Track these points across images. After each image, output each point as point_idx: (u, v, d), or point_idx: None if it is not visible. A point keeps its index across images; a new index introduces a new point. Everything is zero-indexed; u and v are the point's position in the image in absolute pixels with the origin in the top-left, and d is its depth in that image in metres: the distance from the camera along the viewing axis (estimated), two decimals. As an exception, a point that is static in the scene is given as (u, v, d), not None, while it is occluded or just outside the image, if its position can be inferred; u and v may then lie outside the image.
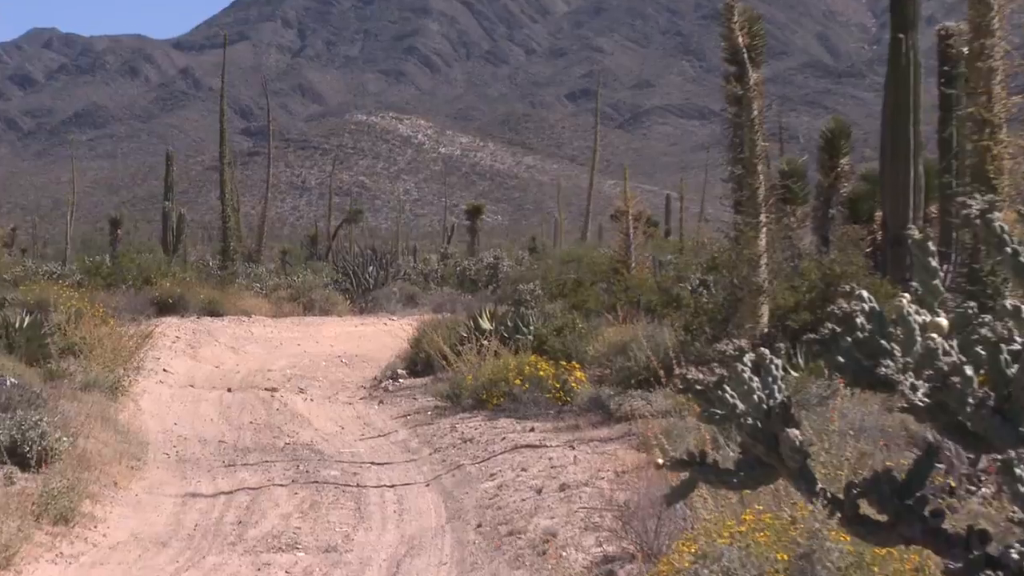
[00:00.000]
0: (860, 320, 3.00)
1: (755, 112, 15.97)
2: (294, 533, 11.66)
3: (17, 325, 16.66)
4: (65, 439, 12.28)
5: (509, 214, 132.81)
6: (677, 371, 3.38)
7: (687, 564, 7.62)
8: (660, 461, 3.82)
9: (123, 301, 29.02)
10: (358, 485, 13.52)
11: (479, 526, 11.81)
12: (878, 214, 20.58)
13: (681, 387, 3.22)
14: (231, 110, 51.67)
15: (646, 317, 20.58)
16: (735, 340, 3.27)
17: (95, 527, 11.88)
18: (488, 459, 13.96)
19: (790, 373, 13.98)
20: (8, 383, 12.67)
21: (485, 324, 19.19)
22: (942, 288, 3.04)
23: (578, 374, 16.39)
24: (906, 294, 3.01)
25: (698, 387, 3.16)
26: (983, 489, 7.97)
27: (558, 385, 15.76)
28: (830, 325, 3.03)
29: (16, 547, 10.80)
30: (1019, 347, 2.80)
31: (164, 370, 21.80)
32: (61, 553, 11.20)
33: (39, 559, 10.92)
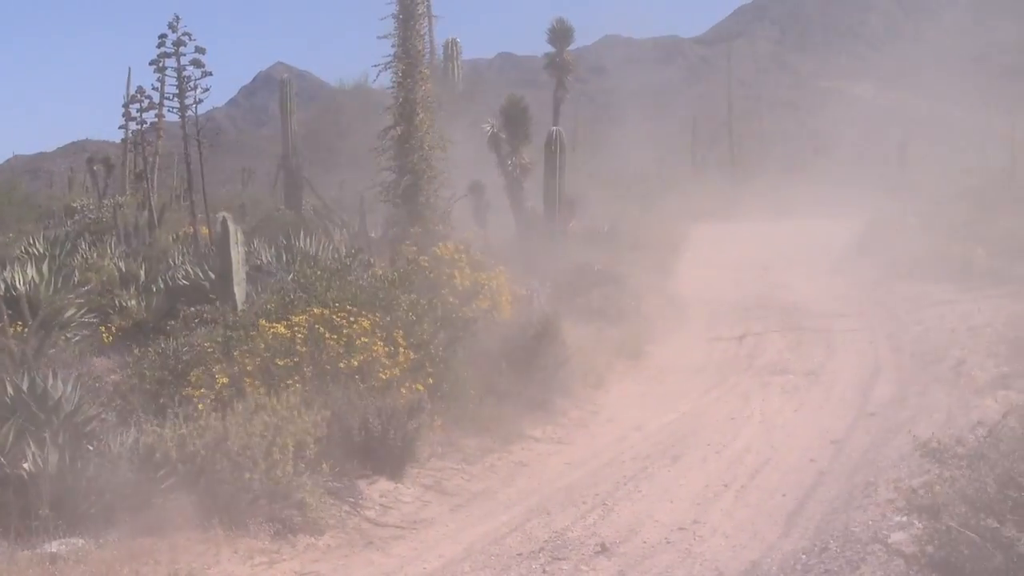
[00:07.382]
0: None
1: None
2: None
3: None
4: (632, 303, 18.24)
5: None
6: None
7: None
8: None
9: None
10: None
11: (912, 355, 15.04)
12: None
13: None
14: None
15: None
16: None
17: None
18: (916, 311, 17.79)
19: None
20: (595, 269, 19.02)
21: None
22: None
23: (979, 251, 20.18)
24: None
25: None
26: None
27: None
28: None
29: (604, 373, 15.53)
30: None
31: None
32: (633, 376, 15.75)
33: (620, 380, 15.54)
